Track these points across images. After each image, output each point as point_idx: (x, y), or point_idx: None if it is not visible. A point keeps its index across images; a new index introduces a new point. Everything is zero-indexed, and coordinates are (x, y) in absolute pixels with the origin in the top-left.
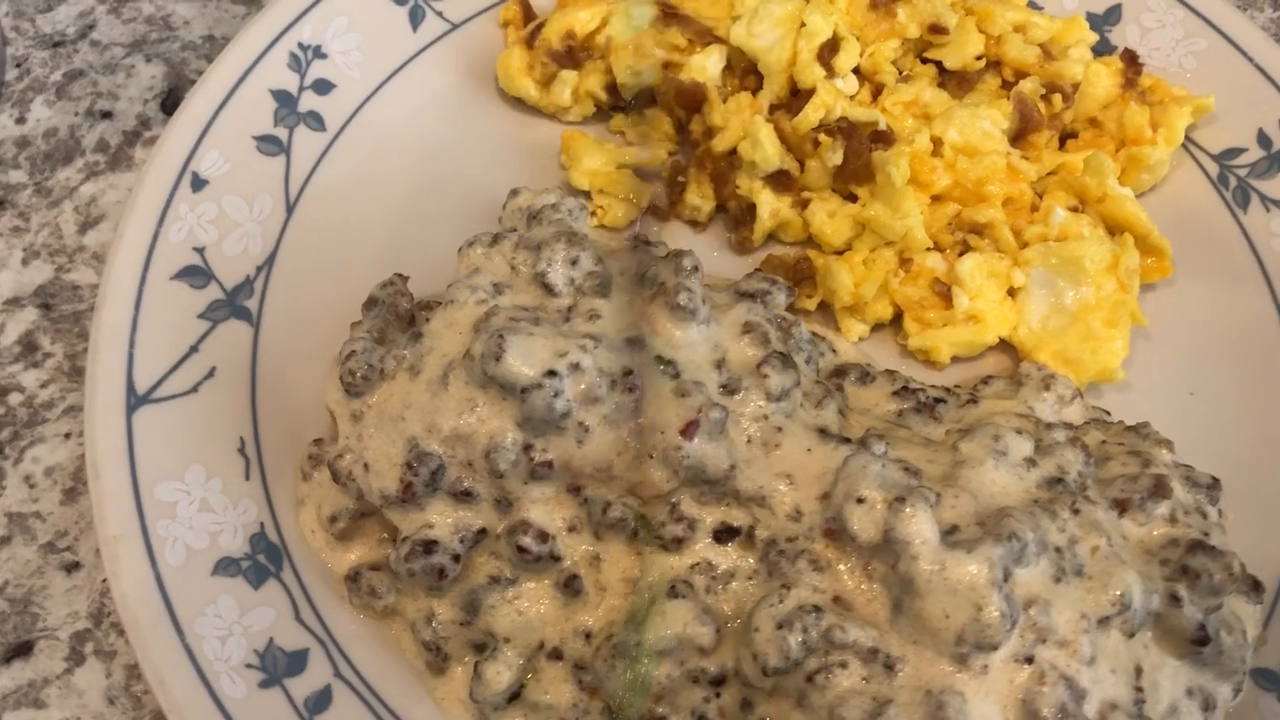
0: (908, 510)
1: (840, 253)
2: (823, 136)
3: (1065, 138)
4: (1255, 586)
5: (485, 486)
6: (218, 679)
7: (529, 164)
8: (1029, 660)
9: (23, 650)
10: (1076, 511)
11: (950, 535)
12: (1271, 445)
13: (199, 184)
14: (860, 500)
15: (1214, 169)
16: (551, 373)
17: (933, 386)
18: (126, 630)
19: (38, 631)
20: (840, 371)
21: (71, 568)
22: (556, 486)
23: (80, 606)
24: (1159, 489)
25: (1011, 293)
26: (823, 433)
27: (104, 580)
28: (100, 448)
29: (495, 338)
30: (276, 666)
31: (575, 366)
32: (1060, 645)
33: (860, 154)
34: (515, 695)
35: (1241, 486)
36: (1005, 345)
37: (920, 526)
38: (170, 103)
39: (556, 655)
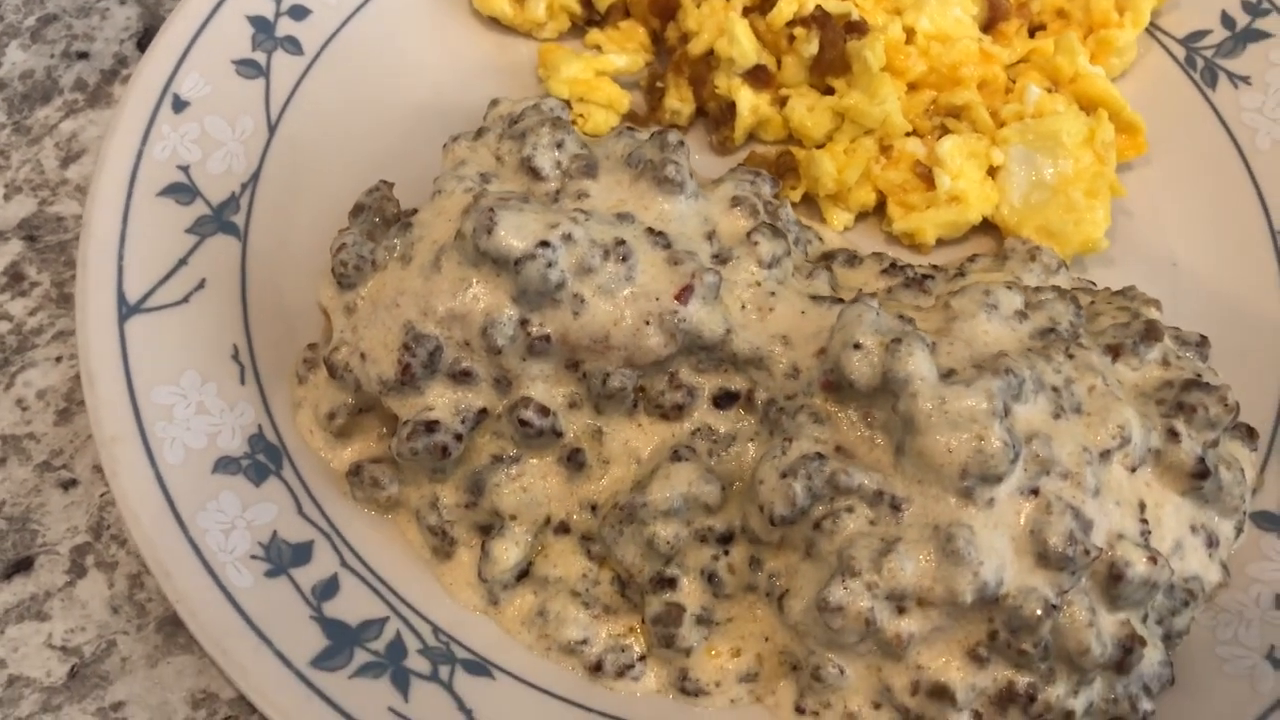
0: (904, 350)
1: (821, 146)
2: (797, 29)
3: (1034, 30)
4: (1250, 433)
5: (484, 366)
6: (223, 569)
7: (507, 82)
8: (1034, 492)
9: (23, 566)
10: (1070, 356)
11: (948, 377)
12: (1255, 309)
13: (180, 105)
14: (857, 346)
15: (1181, 52)
16: (544, 243)
17: (920, 265)
18: (129, 527)
19: (37, 547)
20: (828, 256)
21: (69, 485)
22: (555, 363)
23: (79, 521)
24: (1150, 332)
25: (992, 172)
26: (815, 298)
27: (102, 495)
28: (94, 356)
29: (486, 213)
30: (282, 558)
31: (568, 237)
32: (1064, 477)
33: (835, 44)
34: (524, 573)
35: (1228, 349)
36: (990, 228)
37: (918, 364)
38: (147, 41)
39: (564, 529)
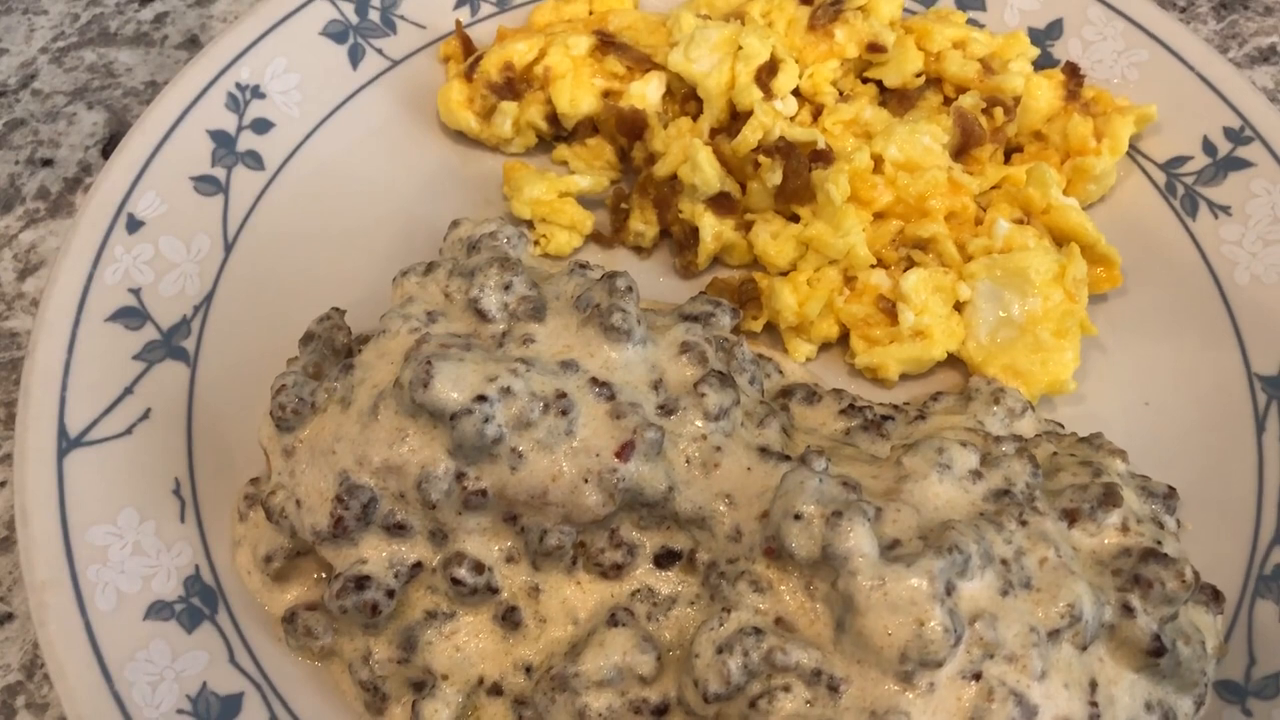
0: (844, 524)
1: (785, 273)
2: (762, 158)
3: (1010, 152)
4: (1215, 596)
5: (419, 519)
6: None
7: (472, 196)
8: (976, 677)
9: None
10: (1024, 523)
11: (891, 550)
12: (1228, 455)
13: (135, 225)
14: (797, 516)
15: (1161, 178)
16: (481, 398)
17: (880, 404)
18: (53, 678)
19: None
20: (786, 392)
21: (3, 619)
22: (492, 516)
23: (12, 659)
24: (1109, 497)
25: (958, 307)
26: (763, 451)
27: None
28: (29, 493)
29: (423, 365)
30: (210, 712)
31: (506, 390)
32: (1009, 660)
33: (799, 173)
34: None
35: (1200, 497)
36: (955, 361)
37: (858, 541)
38: (111, 149)
39: (496, 691)
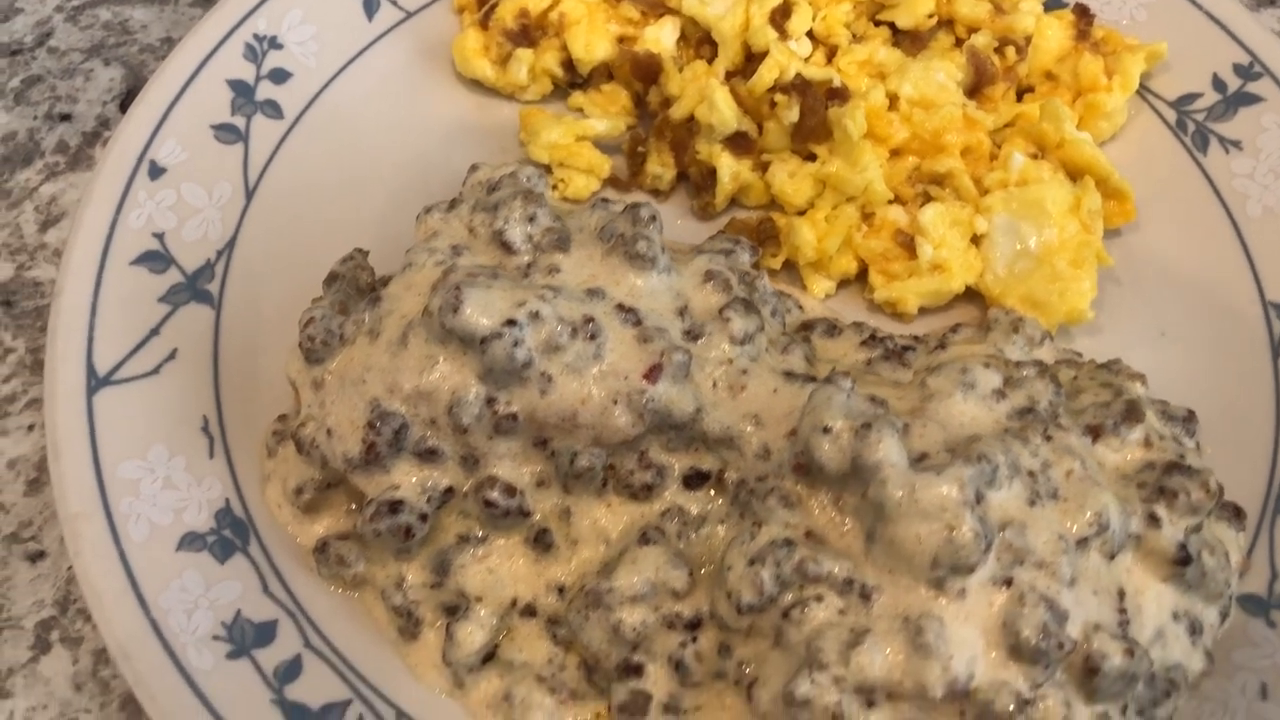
0: (873, 436)
1: (803, 213)
2: (778, 96)
3: (1022, 93)
4: (1236, 513)
5: (450, 444)
6: (184, 651)
7: (488, 144)
8: (1007, 582)
9: None
10: (1049, 438)
11: (919, 462)
12: (1245, 380)
13: (157, 172)
14: (826, 430)
15: (1171, 115)
16: (511, 322)
17: (901, 336)
18: (89, 606)
19: (2, 621)
20: (807, 326)
21: (36, 557)
22: (522, 441)
23: (45, 595)
24: (1131, 413)
25: (975, 240)
26: (789, 375)
27: (69, 568)
28: (60, 428)
29: (453, 291)
30: (244, 638)
31: (535, 315)
32: (1039, 566)
33: (816, 111)
34: (490, 656)
35: (1218, 422)
36: (973, 297)
37: (888, 451)
38: (129, 104)
39: (530, 612)
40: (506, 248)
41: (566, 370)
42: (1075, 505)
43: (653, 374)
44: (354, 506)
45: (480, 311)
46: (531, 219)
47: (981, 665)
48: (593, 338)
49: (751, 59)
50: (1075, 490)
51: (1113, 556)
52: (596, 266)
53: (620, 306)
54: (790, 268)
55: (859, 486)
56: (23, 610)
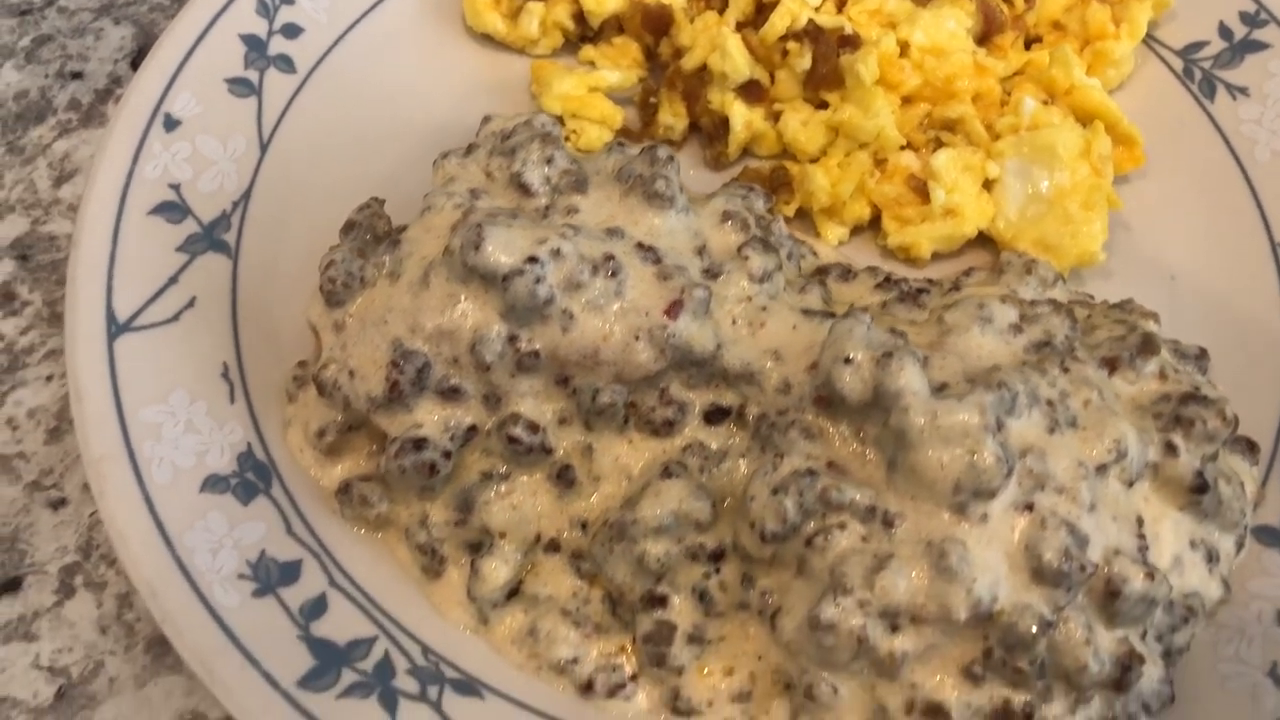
0: (894, 364)
1: (815, 161)
2: (790, 44)
3: (1030, 42)
4: (1250, 447)
5: (472, 382)
6: (210, 588)
7: (500, 98)
8: (1029, 507)
9: (11, 586)
10: (1066, 370)
11: (940, 391)
12: (1255, 321)
13: (172, 124)
14: (848, 360)
15: (1178, 64)
16: (532, 259)
17: (915, 279)
18: (115, 547)
19: (25, 567)
20: (822, 271)
21: (58, 504)
22: (544, 379)
23: (68, 541)
24: (1147, 345)
25: (987, 185)
26: (807, 312)
27: (91, 514)
28: (82, 373)
29: (474, 229)
30: (270, 577)
31: (556, 253)
32: (1059, 492)
33: (828, 58)
34: (514, 592)
35: (1229, 361)
36: (986, 242)
37: (909, 379)
38: (141, 61)
39: (554, 547)
40: (524, 190)
41: (588, 307)
42: (1094, 433)
43: (673, 310)
44: (376, 449)
45: (501, 249)
46: (549, 161)
47: (1004, 588)
48: (613, 275)
49: (762, 10)
50: (1093, 419)
51: (1131, 484)
52: (615, 207)
53: (640, 245)
54: (803, 216)
55: (880, 416)
56: (46, 556)
